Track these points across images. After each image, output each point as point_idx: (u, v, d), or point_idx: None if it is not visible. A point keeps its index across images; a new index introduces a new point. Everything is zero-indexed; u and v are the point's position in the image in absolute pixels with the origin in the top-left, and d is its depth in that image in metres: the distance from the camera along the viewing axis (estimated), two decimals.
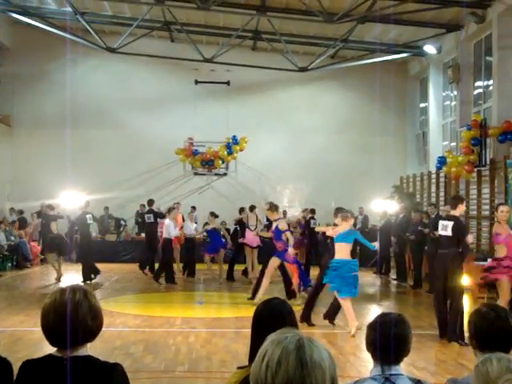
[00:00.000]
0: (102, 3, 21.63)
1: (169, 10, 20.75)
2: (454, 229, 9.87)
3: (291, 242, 13.05)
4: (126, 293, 15.43)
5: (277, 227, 13.13)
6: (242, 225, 17.77)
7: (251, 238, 17.08)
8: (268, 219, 15.81)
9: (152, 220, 18.11)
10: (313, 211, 18.74)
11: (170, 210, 17.44)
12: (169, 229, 16.84)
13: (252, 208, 17.88)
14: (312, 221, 18.20)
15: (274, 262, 13.17)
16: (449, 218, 10.26)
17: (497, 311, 3.42)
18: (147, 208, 18.69)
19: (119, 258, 22.17)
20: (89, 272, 16.62)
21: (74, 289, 2.74)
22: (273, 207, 13.39)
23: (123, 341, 9.55)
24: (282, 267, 13.64)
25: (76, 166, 21.79)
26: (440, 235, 10.27)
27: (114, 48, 22.63)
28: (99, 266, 17.04)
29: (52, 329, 2.68)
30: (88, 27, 21.50)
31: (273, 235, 13.37)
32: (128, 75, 24.48)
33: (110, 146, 24.21)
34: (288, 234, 13.13)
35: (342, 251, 10.26)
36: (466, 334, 8.25)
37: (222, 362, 8.33)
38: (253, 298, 13.12)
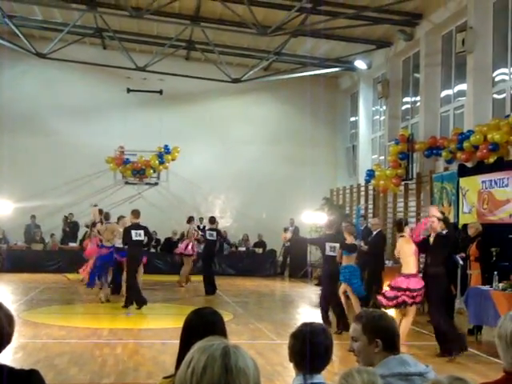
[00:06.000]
0: (32, 7, 21.15)
1: (101, 17, 20.44)
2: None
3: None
4: (52, 304, 15.02)
5: None
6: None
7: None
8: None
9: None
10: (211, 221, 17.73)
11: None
12: None
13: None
14: (208, 232, 17.62)
15: None
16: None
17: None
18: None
19: (45, 267, 21.54)
20: None
21: None
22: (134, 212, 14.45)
23: (47, 353, 9.27)
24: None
25: (1, 172, 21.14)
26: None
27: (43, 53, 22.13)
28: (23, 276, 16.47)
29: None
30: (16, 31, 20.95)
31: None
32: (59, 81, 23.92)
33: (38, 152, 23.58)
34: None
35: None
36: None
37: (149, 374, 8.23)
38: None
